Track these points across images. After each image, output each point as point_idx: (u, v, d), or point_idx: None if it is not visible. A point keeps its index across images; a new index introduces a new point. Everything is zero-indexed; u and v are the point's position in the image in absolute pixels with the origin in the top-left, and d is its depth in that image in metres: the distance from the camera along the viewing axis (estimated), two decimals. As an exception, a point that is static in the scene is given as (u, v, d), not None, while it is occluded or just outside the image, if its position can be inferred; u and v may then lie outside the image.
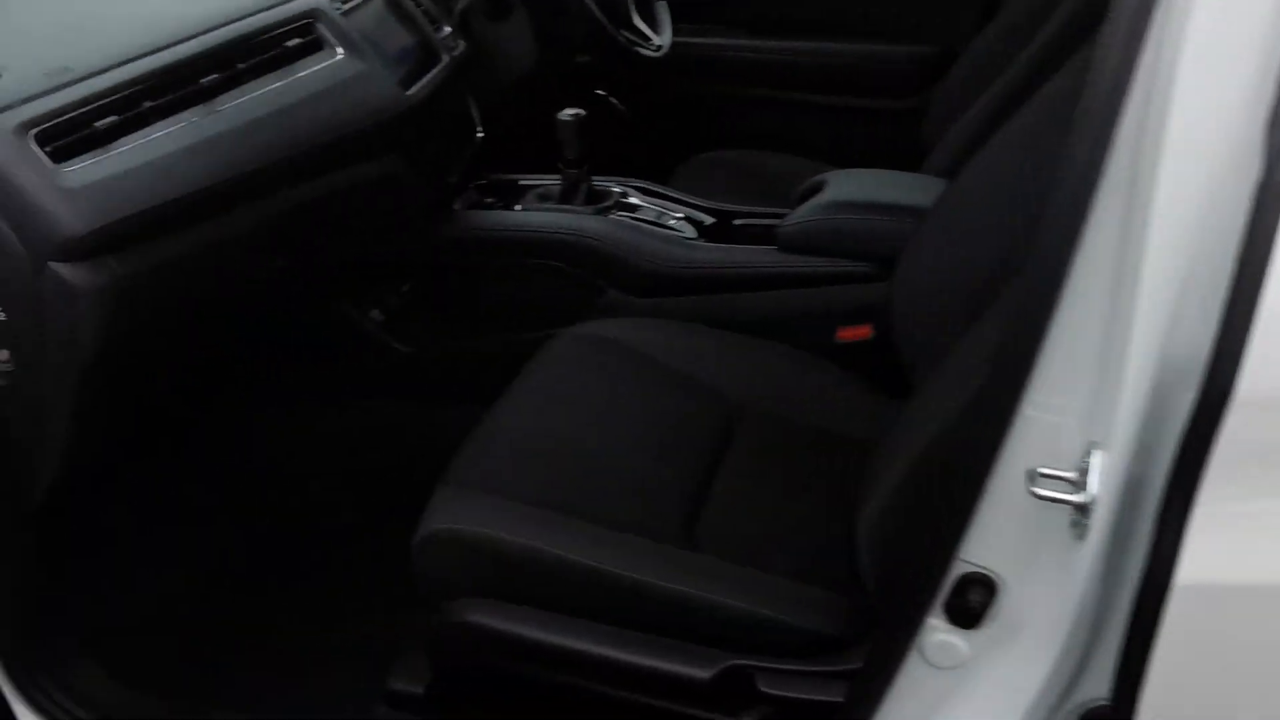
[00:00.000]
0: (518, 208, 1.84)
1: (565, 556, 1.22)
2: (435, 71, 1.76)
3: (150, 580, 1.69)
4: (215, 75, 1.36)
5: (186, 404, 1.73)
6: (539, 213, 1.80)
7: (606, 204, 1.81)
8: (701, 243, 1.75)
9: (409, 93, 1.63)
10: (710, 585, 1.21)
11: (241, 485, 1.90)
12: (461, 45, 1.92)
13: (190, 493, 1.83)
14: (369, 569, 1.79)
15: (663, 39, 2.16)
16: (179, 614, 1.69)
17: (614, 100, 2.57)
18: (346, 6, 1.61)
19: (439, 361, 1.88)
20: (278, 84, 1.43)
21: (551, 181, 1.90)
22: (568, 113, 1.76)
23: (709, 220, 1.82)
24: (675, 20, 2.28)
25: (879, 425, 1.52)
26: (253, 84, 1.41)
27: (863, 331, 1.64)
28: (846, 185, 1.71)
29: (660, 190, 1.89)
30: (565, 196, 1.82)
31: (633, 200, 1.85)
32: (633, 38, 2.08)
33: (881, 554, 1.09)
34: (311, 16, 1.53)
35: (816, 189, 1.75)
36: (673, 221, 1.80)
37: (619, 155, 2.35)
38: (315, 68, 1.49)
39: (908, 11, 2.42)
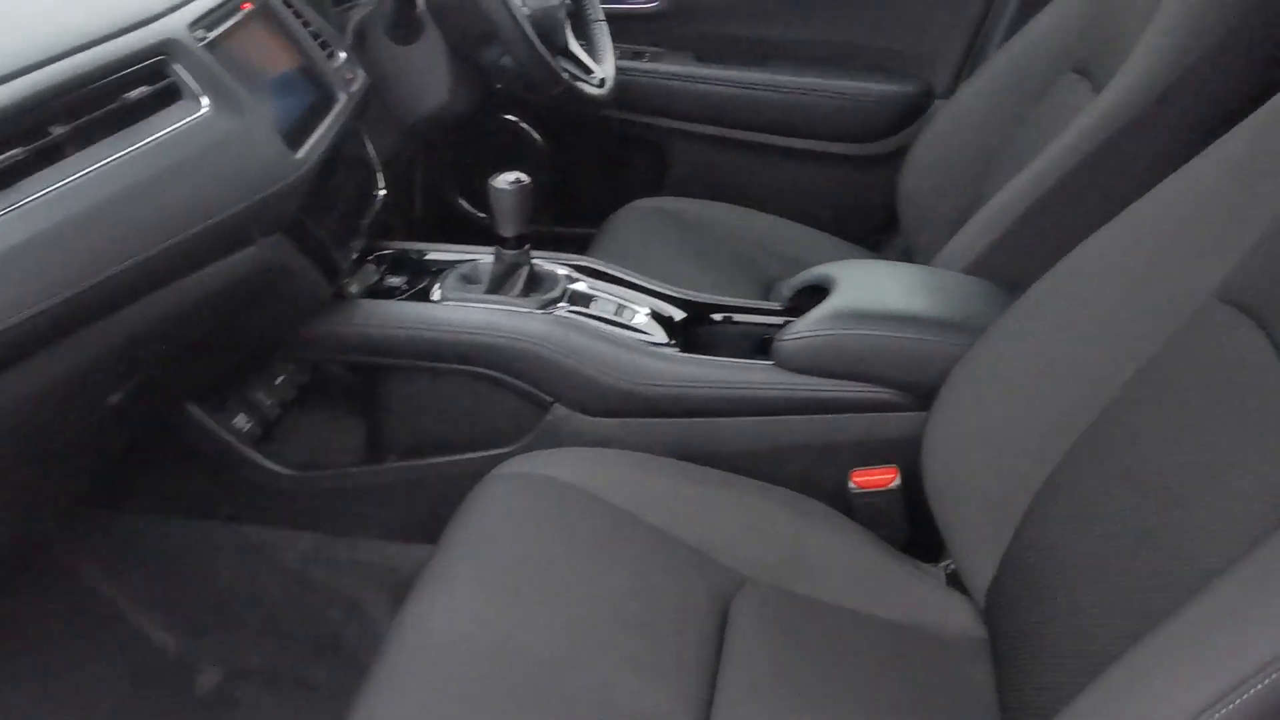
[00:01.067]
0: (436, 294, 1.42)
1: None
2: (331, 118, 1.34)
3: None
4: (61, 129, 0.93)
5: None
6: (467, 307, 1.38)
7: (553, 295, 1.41)
8: (678, 353, 1.37)
9: (299, 154, 1.21)
10: None
11: (69, 642, 1.45)
12: (360, 77, 1.49)
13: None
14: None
15: (605, 70, 1.77)
16: None
17: (527, 127, 2.17)
18: (211, 35, 1.17)
19: (330, 488, 1.46)
20: (125, 152, 0.99)
21: (473, 258, 1.49)
22: (506, 179, 1.35)
23: (679, 315, 1.45)
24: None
25: (922, 605, 1.21)
26: (101, 146, 0.97)
27: (885, 477, 1.30)
28: (861, 286, 1.36)
29: (616, 274, 1.50)
30: (498, 282, 1.42)
31: (582, 288, 1.45)
32: (573, 70, 1.68)
33: None
34: (164, 53, 1.09)
35: (818, 286, 1.39)
36: (638, 318, 1.42)
37: (536, 200, 1.97)
38: (174, 127, 1.06)
39: (880, 39, 2.08)
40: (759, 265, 1.87)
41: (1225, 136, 1.06)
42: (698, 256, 1.84)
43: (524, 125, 2.15)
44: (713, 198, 2.03)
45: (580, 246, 1.92)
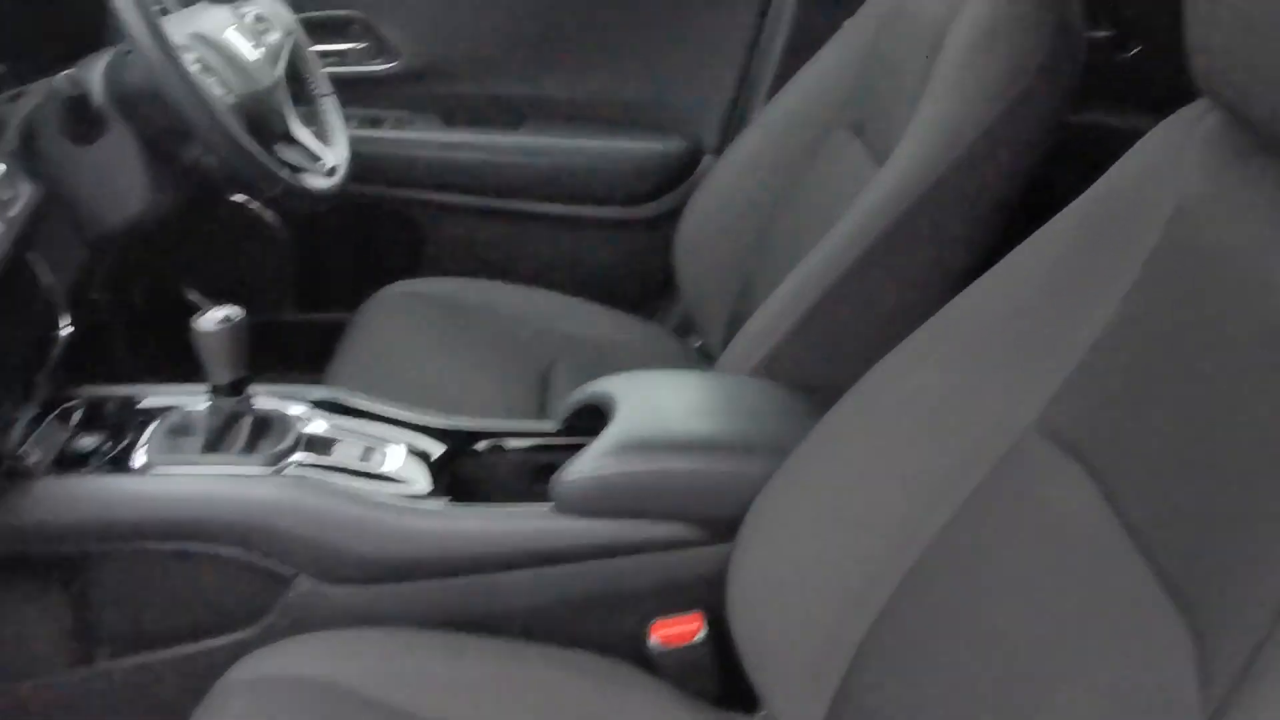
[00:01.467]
0: (140, 458, 1.17)
1: None
2: (-23, 260, 1.08)
3: None
4: None
5: None
6: (177, 476, 1.14)
7: (284, 445, 1.18)
8: (441, 505, 1.17)
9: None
10: None
11: None
12: (24, 193, 1.22)
13: None
14: None
15: (336, 155, 1.54)
16: None
17: (258, 209, 1.92)
18: None
19: (28, 700, 1.20)
20: None
21: (185, 401, 1.24)
22: (212, 318, 1.12)
23: (438, 450, 1.25)
24: (343, 104, 1.68)
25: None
26: None
27: (689, 628, 1.14)
28: (644, 408, 1.19)
29: (361, 406, 1.29)
30: (216, 437, 1.18)
31: (321, 429, 1.23)
32: (294, 160, 1.45)
33: None
34: None
35: (598, 408, 1.22)
36: (390, 463, 1.21)
37: (275, 293, 1.73)
38: None
39: (641, 93, 1.94)
40: (532, 350, 1.70)
41: (1030, 240, 0.95)
42: (463, 348, 1.66)
43: (254, 207, 1.90)
44: (475, 275, 1.85)
45: (332, 334, 1.70)
